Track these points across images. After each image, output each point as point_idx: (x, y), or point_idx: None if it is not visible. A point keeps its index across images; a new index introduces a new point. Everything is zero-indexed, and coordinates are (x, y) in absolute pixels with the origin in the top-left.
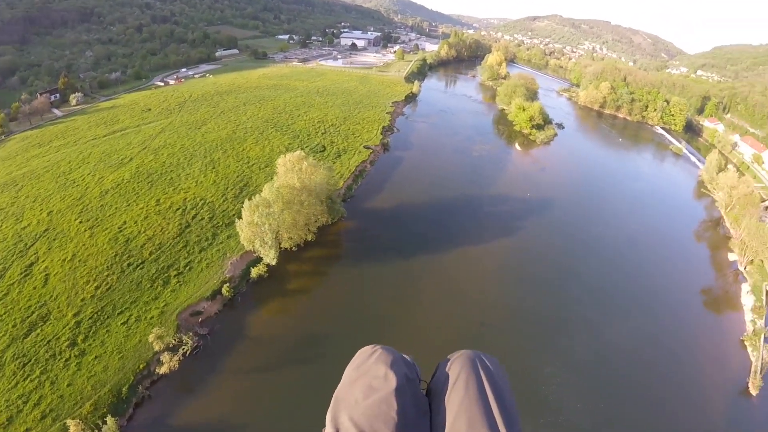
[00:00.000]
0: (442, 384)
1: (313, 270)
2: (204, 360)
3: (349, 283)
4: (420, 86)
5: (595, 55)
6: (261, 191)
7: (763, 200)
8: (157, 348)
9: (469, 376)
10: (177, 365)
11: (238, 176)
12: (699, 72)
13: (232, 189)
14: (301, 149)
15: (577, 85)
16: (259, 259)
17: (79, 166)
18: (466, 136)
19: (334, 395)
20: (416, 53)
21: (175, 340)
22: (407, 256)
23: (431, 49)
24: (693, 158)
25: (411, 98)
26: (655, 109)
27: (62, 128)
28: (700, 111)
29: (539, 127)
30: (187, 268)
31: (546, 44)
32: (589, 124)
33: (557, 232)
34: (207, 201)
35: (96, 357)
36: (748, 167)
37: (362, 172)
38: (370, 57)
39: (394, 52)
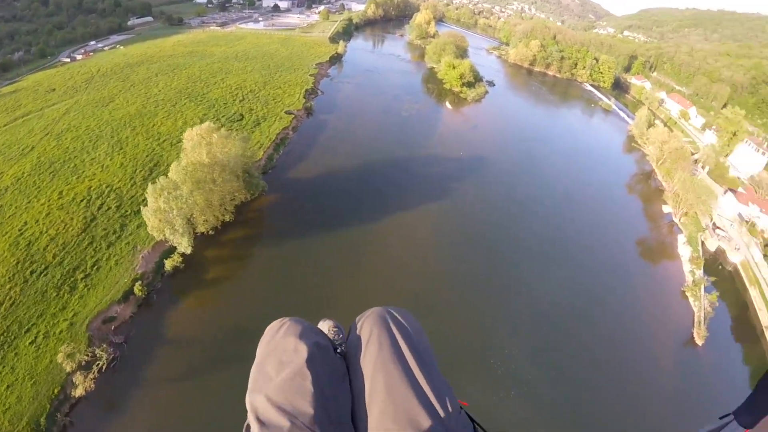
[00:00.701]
0: (355, 345)
1: (234, 253)
2: (123, 372)
3: (276, 263)
4: (345, 47)
5: (523, 15)
6: (168, 172)
7: (693, 154)
8: (68, 369)
9: (381, 332)
10: (93, 385)
11: (147, 156)
12: (626, 33)
13: (141, 171)
14: (217, 119)
15: (507, 44)
16: (173, 249)
17: None
18: (394, 96)
19: (249, 376)
20: (342, 14)
21: (87, 355)
22: (338, 228)
23: (358, 9)
24: (622, 114)
25: (336, 59)
26: (584, 67)
27: None
28: (627, 69)
29: (470, 85)
30: (95, 268)
31: (475, 4)
32: (519, 81)
33: (492, 192)
34: (114, 187)
35: (8, 386)
36: (676, 123)
37: (284, 140)
38: (294, 18)
39: (319, 12)
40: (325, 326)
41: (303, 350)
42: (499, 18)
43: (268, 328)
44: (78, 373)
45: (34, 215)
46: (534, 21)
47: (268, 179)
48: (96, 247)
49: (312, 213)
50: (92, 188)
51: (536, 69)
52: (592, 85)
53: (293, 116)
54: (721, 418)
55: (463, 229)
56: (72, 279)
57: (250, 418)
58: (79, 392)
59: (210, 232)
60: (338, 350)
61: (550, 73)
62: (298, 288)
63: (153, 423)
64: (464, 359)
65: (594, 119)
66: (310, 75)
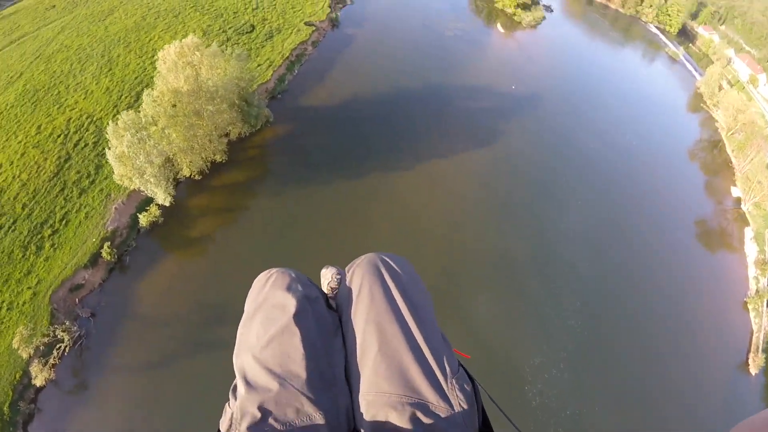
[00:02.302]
0: (346, 296)
1: (225, 203)
2: (91, 352)
3: (275, 216)
4: None
5: None
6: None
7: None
8: (25, 355)
9: (373, 282)
10: (52, 374)
11: (137, 77)
12: None
13: (127, 96)
14: (224, 31)
15: None
16: (150, 200)
17: None
18: (436, 11)
19: (237, 334)
20: None
21: (48, 336)
22: (355, 172)
23: None
24: (689, 66)
25: None
26: (651, 5)
27: None
28: (694, 16)
29: (525, 7)
30: (63, 222)
31: None
32: (577, 10)
33: (544, 142)
34: (94, 118)
35: None
36: (743, 87)
37: (300, 57)
38: None
39: None
40: (328, 273)
41: (291, 304)
42: None
43: (255, 280)
44: (36, 361)
45: (9, 156)
46: None
47: (276, 106)
48: (67, 195)
49: (325, 151)
50: (72, 120)
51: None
52: (657, 28)
53: (314, 28)
54: None
55: (508, 189)
56: (39, 236)
57: (238, 380)
58: (39, 382)
59: (196, 176)
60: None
61: (612, 6)
62: (300, 249)
63: (125, 410)
64: (490, 374)
65: (658, 66)
66: None
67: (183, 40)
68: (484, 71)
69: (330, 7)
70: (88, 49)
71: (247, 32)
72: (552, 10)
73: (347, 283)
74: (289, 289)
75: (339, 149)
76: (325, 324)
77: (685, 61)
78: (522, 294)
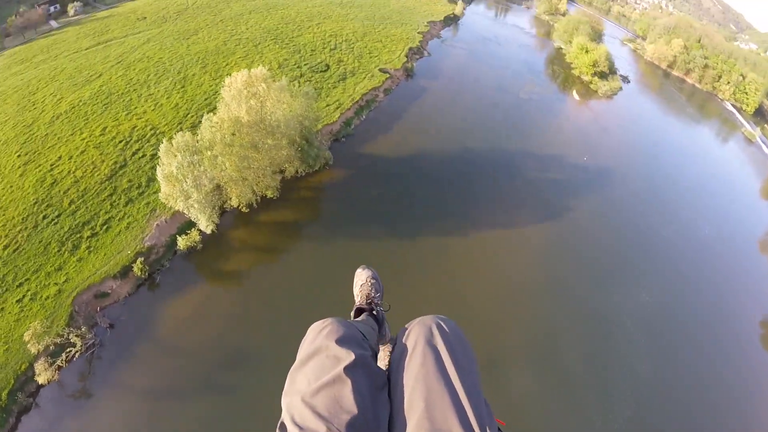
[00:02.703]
0: (399, 355)
1: (269, 240)
2: (99, 364)
3: (314, 264)
4: (464, 9)
5: (663, 9)
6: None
7: None
8: (33, 351)
9: (426, 344)
10: (56, 375)
11: (206, 99)
12: None
13: (193, 116)
14: (299, 66)
15: (643, 38)
16: (193, 223)
17: (46, 85)
18: (513, 72)
19: (288, 376)
20: None
21: (60, 337)
22: (405, 232)
23: None
24: (765, 149)
25: (452, 20)
26: (729, 82)
27: (50, 42)
28: None
29: (603, 76)
30: (105, 227)
31: None
32: (654, 83)
33: (610, 224)
34: (158, 131)
35: None
36: None
37: (370, 103)
38: None
39: None
40: (364, 275)
41: (344, 356)
42: (634, 8)
43: (311, 328)
44: (42, 359)
45: (71, 150)
46: (678, 17)
47: (338, 149)
48: (114, 201)
49: (379, 204)
50: (136, 128)
51: (674, 73)
52: (733, 105)
53: (388, 76)
54: None
55: (567, 272)
56: (78, 236)
57: (286, 420)
58: (41, 380)
59: (244, 208)
60: (374, 311)
61: (689, 80)
62: (334, 304)
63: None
64: None
65: (733, 147)
66: (419, 33)
67: (252, 70)
68: (556, 139)
69: (407, 56)
70: (167, 64)
71: (321, 71)
72: (629, 81)
73: (402, 340)
74: (343, 341)
75: (394, 204)
76: (374, 378)
77: (762, 143)
78: (567, 387)
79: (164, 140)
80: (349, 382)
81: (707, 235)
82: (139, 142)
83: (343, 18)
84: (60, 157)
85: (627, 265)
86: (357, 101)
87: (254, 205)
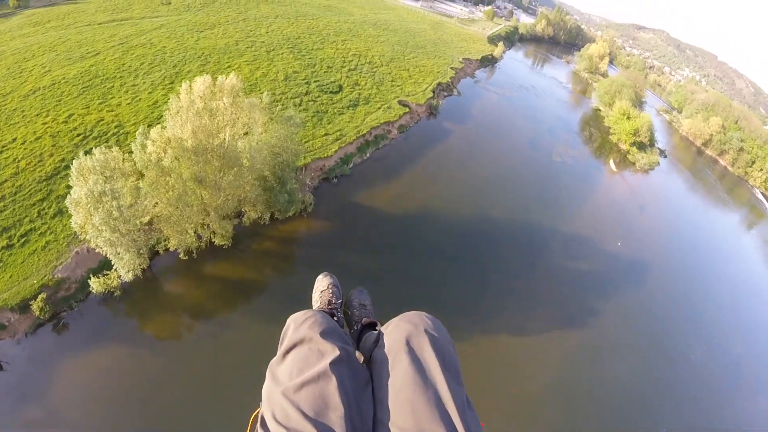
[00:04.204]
0: (382, 353)
1: (207, 301)
2: None
3: (258, 346)
4: (504, 52)
5: (698, 83)
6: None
7: None
8: None
9: (411, 341)
10: None
11: None
12: None
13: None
14: (307, 83)
15: (679, 110)
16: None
17: (42, 54)
18: (548, 128)
19: (268, 368)
20: (509, 21)
21: None
22: (390, 310)
23: (526, 21)
24: None
25: (489, 62)
26: (762, 169)
27: (70, 9)
28: None
29: (641, 147)
30: (23, 240)
31: (645, 58)
32: (688, 159)
33: (644, 335)
34: (123, 131)
35: None
36: None
37: (378, 139)
38: (455, 8)
39: (484, 11)
40: (325, 282)
41: (329, 350)
42: (670, 79)
43: (291, 318)
44: None
45: (28, 134)
46: (716, 95)
47: (325, 192)
48: (44, 208)
49: (365, 273)
50: (102, 122)
51: (708, 152)
52: (762, 194)
53: (407, 110)
54: None
55: (590, 396)
56: None
57: (266, 414)
58: None
59: (183, 255)
60: (335, 317)
61: (722, 162)
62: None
63: None
64: None
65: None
66: (452, 68)
67: (221, 77)
68: (588, 214)
69: (433, 92)
70: (167, 55)
71: (331, 92)
72: (666, 155)
73: (386, 338)
74: (327, 334)
75: (380, 279)
76: (358, 375)
77: None
78: None
79: (81, 154)
80: (334, 378)
81: (743, 354)
82: (97, 139)
83: (373, 39)
84: (15, 139)
85: (659, 390)
86: (363, 135)
87: (193, 254)
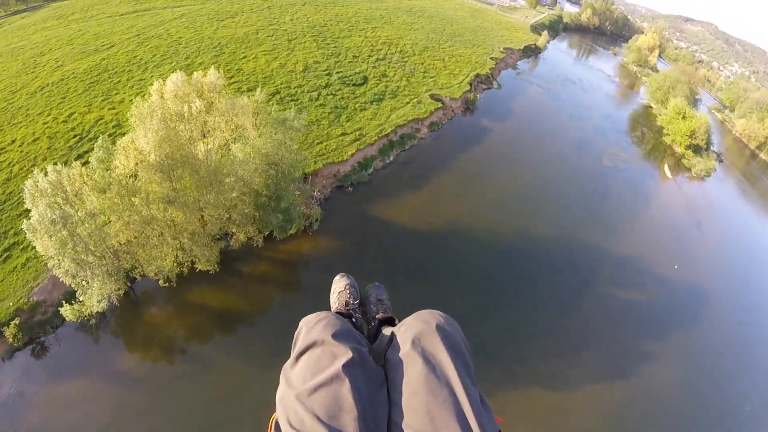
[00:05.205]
0: (396, 353)
1: (191, 332)
2: None
3: (243, 388)
4: (548, 42)
5: (749, 80)
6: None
7: None
8: None
9: (426, 341)
10: None
11: None
12: None
13: None
14: (329, 74)
15: (731, 109)
16: None
17: (59, 47)
18: (596, 127)
19: (282, 372)
20: (553, 9)
21: None
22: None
23: (571, 10)
24: None
25: (532, 52)
26: None
27: (94, 1)
28: None
29: (697, 150)
30: (5, 256)
31: (693, 51)
32: (741, 164)
33: (705, 382)
34: (120, 131)
35: None
36: None
37: (405, 139)
38: None
39: None
40: (342, 283)
41: (342, 352)
42: (719, 74)
43: (304, 321)
44: None
45: (27, 135)
46: None
47: (337, 202)
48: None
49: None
50: (101, 121)
51: (762, 156)
52: None
53: (440, 105)
54: None
55: None
56: None
57: (280, 420)
58: None
59: (162, 282)
60: (353, 319)
61: None
62: None
63: None
64: None
65: None
66: (492, 58)
67: (196, 73)
68: (642, 232)
69: (470, 84)
70: (182, 46)
71: (354, 84)
72: (722, 160)
73: (401, 337)
74: (340, 336)
75: (404, 309)
76: (372, 376)
77: None
78: None
79: (35, 172)
80: (347, 381)
81: None
82: (92, 141)
83: (407, 27)
84: (14, 141)
85: None
86: (387, 134)
87: (172, 283)
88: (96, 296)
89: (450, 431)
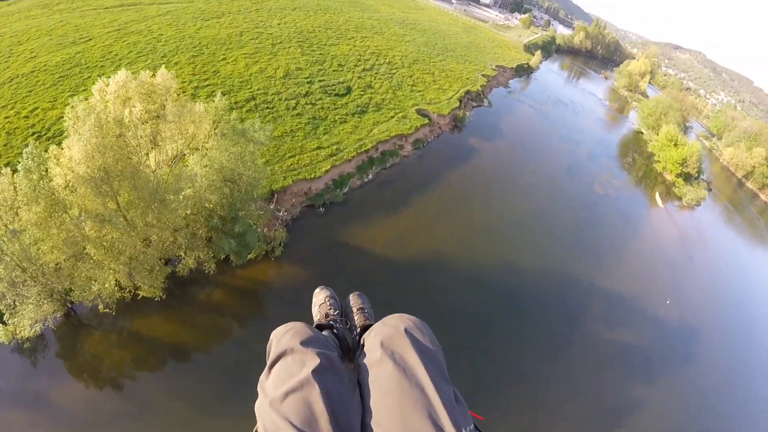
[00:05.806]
0: (366, 358)
1: (133, 366)
2: None
3: (191, 419)
4: (541, 62)
5: (737, 109)
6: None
7: None
8: None
9: (397, 345)
10: None
11: None
12: None
13: None
14: (310, 82)
15: (719, 137)
16: None
17: (38, 37)
18: (588, 153)
19: (259, 384)
20: (546, 30)
21: None
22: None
23: (563, 32)
24: None
25: (524, 71)
26: None
27: None
28: None
29: (688, 179)
30: None
31: (681, 78)
32: (728, 192)
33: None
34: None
35: None
36: None
37: (386, 156)
38: (491, 14)
39: (521, 18)
40: (322, 295)
41: (310, 358)
42: (707, 103)
43: (273, 333)
44: None
45: None
46: (760, 123)
47: (306, 224)
48: None
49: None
50: (62, 119)
51: (748, 184)
52: None
53: (427, 121)
54: None
55: None
56: None
57: (260, 429)
58: None
59: (102, 308)
60: (335, 330)
61: (762, 197)
62: None
63: None
64: None
65: None
66: (483, 75)
67: (143, 72)
68: (633, 264)
69: (460, 101)
70: (160, 43)
71: (336, 94)
72: (711, 189)
73: (371, 341)
74: (308, 343)
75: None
76: (343, 380)
77: None
78: None
79: None
80: (317, 385)
81: None
82: (51, 140)
83: (398, 38)
84: None
85: None
86: (367, 150)
87: (112, 311)
88: (28, 319)
89: (422, 427)
